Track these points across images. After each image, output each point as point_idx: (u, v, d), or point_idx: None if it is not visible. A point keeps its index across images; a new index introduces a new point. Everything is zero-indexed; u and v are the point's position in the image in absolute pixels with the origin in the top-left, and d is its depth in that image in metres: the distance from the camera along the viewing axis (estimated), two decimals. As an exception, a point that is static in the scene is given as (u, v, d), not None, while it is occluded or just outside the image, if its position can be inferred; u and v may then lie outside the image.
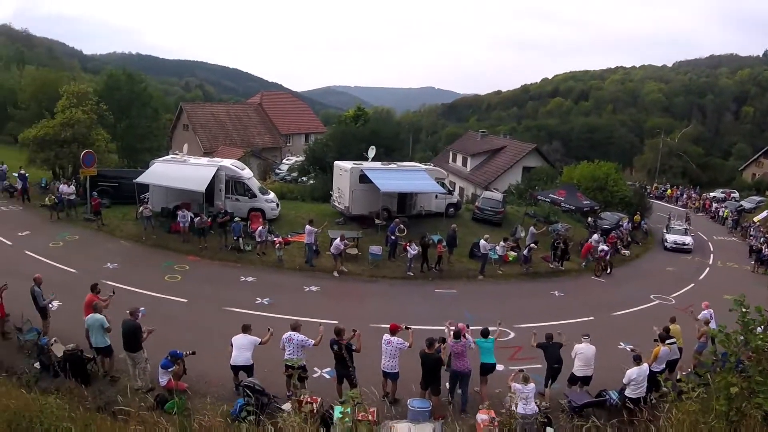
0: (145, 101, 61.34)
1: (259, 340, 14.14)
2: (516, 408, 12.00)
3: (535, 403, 13.30)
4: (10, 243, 27.05)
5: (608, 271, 28.97)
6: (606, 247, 29.15)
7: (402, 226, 27.54)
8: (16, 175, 36.26)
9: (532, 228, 30.54)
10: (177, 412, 9.89)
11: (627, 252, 33.68)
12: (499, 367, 15.68)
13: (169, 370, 13.81)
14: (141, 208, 29.07)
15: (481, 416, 12.79)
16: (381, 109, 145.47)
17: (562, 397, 14.85)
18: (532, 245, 28.39)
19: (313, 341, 13.87)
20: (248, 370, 13.93)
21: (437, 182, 31.77)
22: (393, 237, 27.22)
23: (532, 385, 13.29)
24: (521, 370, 13.73)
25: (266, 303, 21.36)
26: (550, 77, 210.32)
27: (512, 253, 28.78)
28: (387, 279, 25.71)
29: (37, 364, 15.52)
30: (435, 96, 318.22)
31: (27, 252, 25.67)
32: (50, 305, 17.26)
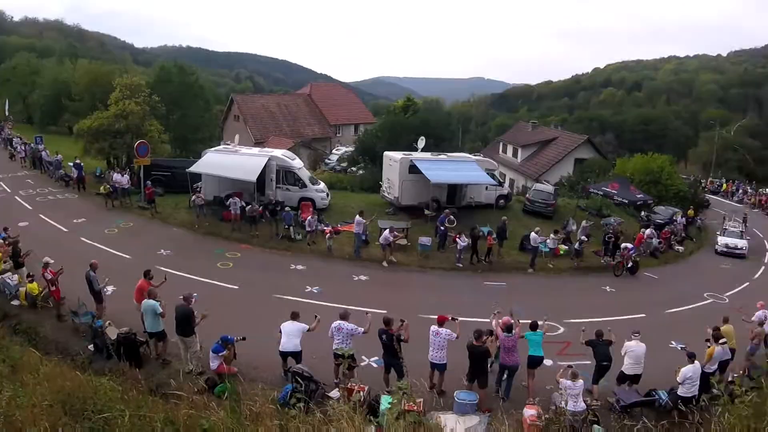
0: (197, 93, 62.18)
1: (307, 327, 14.27)
2: (566, 405, 11.81)
3: (584, 400, 13.09)
4: (66, 229, 27.96)
5: (631, 271, 26.88)
6: (630, 245, 27.34)
7: (452, 217, 27.30)
8: (72, 164, 37.36)
9: (584, 222, 30.02)
10: (227, 397, 9.98)
11: (681, 248, 32.69)
12: (548, 362, 15.53)
13: (220, 354, 14.06)
14: (194, 197, 29.64)
15: (528, 411, 12.66)
16: (430, 100, 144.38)
17: (611, 395, 14.55)
18: (583, 238, 27.89)
19: (363, 329, 13.93)
20: (297, 356, 14.07)
21: (487, 173, 31.38)
22: (443, 228, 27.01)
23: (581, 382, 13.09)
24: (570, 366, 13.55)
25: (316, 291, 21.50)
26: (601, 67, 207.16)
27: (563, 247, 28.30)
28: (436, 270, 25.56)
29: (91, 347, 16.07)
30: (484, 86, 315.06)
31: (82, 238, 26.44)
32: (105, 290, 17.71)
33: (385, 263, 25.34)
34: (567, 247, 28.26)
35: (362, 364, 15.30)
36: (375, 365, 15.46)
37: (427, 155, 32.38)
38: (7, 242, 21.47)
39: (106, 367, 13.94)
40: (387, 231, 25.27)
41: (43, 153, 43.04)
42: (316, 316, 14.67)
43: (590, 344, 14.75)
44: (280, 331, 14.23)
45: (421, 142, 34.92)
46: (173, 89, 57.20)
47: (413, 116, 52.79)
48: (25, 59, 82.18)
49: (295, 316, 14.43)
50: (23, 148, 47.98)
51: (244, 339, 14.80)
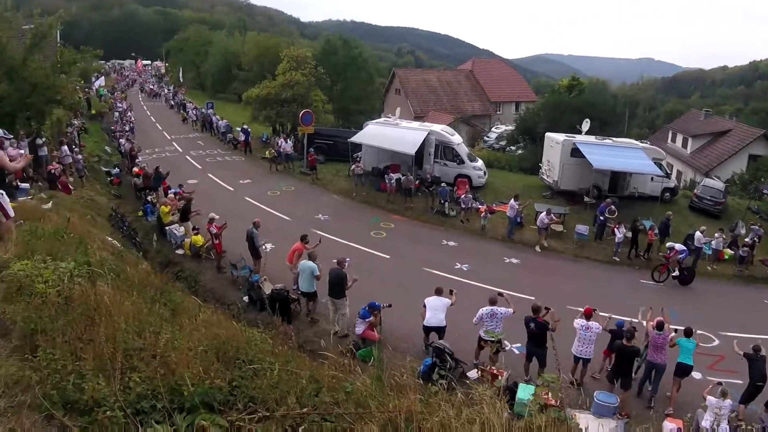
0: (360, 66, 63.44)
1: (450, 302, 14.30)
2: (717, 426, 10.95)
3: (730, 423, 12.04)
4: (232, 189, 29.93)
5: (682, 280, 22.50)
6: (679, 246, 22.84)
7: (613, 207, 25.89)
8: (239, 129, 40.19)
9: (754, 225, 27.38)
10: (373, 363, 10.11)
11: None
12: (696, 375, 14.48)
13: (367, 320, 14.34)
14: (353, 166, 30.63)
15: (669, 425, 11.85)
16: (596, 80, 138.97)
17: (757, 421, 13.09)
18: (747, 240, 25.52)
19: (512, 310, 13.79)
20: (440, 331, 14.11)
21: (654, 163, 29.46)
22: (602, 218, 25.71)
23: (729, 402, 11.98)
24: (720, 383, 12.52)
25: (465, 269, 21.32)
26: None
27: (728, 251, 25.97)
28: (590, 261, 24.36)
29: (245, 298, 17.31)
30: (654, 68, 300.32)
31: (246, 198, 28.17)
32: (264, 247, 18.75)
33: (538, 247, 24.68)
34: (732, 252, 25.99)
35: (505, 349, 15.03)
36: (517, 351, 15.02)
37: (591, 139, 30.96)
38: (177, 197, 23.09)
39: (258, 319, 14.65)
40: (544, 213, 24.58)
41: (213, 117, 46.28)
42: (452, 291, 14.75)
43: (747, 358, 13.40)
44: (424, 306, 14.32)
45: (586, 125, 33.45)
46: (338, 62, 58.99)
47: (578, 97, 51.07)
48: (196, 31, 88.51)
49: (439, 292, 14.48)
50: (195, 112, 52.55)
51: (390, 306, 15.02)
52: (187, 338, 6.01)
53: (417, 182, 28.60)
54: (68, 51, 28.01)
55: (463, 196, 27.30)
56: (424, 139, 29.74)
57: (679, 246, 22.92)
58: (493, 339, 12.61)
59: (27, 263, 7.46)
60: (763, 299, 22.54)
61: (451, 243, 24.44)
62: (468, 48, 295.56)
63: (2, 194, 10.43)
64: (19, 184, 18.76)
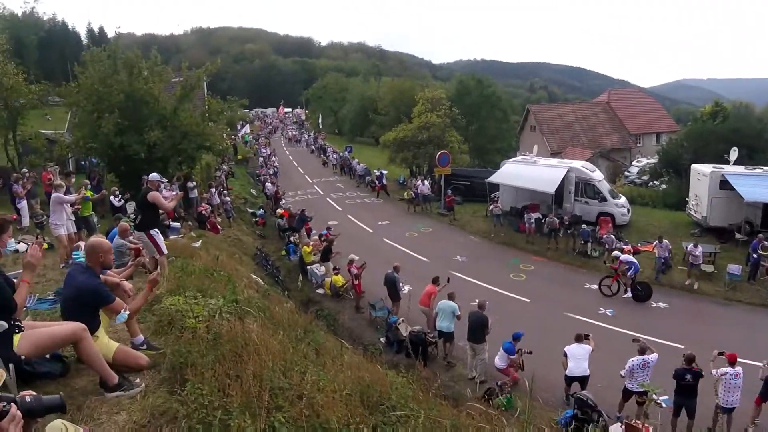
0: (494, 104, 63.26)
1: (591, 348, 13.75)
2: None
3: None
4: (371, 230, 30.72)
5: (636, 296, 21.39)
6: (628, 258, 21.67)
7: (766, 243, 23.80)
8: (377, 172, 41.60)
9: None
10: (523, 418, 9.73)
11: None
12: None
13: (510, 357, 14.10)
14: (491, 206, 30.42)
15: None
16: (739, 104, 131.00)
17: None
18: None
19: (656, 354, 12.95)
20: (584, 381, 13.52)
21: (810, 194, 26.92)
22: (755, 256, 23.74)
23: None
24: None
25: (609, 314, 20.21)
26: None
27: None
28: (743, 304, 22.01)
29: (383, 339, 17.48)
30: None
31: (385, 239, 28.71)
32: (403, 289, 18.92)
33: (687, 282, 23.21)
34: None
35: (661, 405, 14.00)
36: (664, 405, 13.84)
37: (740, 169, 28.83)
38: (322, 239, 23.79)
39: (395, 360, 14.66)
40: (692, 245, 23.30)
41: (352, 162, 48.01)
42: (587, 336, 14.13)
43: None
44: (565, 354, 13.78)
45: (734, 154, 31.25)
46: (471, 101, 59.19)
47: (722, 123, 48.39)
48: (333, 78, 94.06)
49: (579, 339, 13.94)
50: (334, 156, 55.28)
51: (530, 353, 14.57)
52: (332, 380, 5.99)
53: (558, 222, 27.80)
54: (215, 101, 29.82)
55: (605, 236, 26.22)
56: (564, 177, 29.11)
57: (625, 257, 21.69)
58: (646, 390, 11.85)
59: (179, 298, 7.85)
60: None
61: (594, 286, 23.16)
62: (602, 79, 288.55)
63: (157, 232, 11.19)
64: (170, 223, 19.98)
